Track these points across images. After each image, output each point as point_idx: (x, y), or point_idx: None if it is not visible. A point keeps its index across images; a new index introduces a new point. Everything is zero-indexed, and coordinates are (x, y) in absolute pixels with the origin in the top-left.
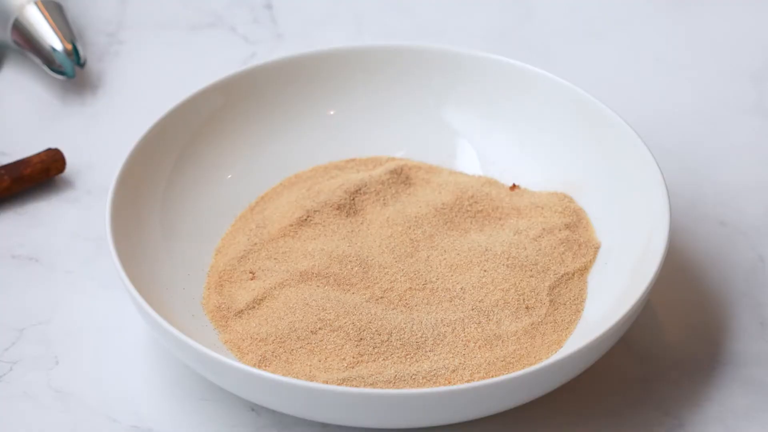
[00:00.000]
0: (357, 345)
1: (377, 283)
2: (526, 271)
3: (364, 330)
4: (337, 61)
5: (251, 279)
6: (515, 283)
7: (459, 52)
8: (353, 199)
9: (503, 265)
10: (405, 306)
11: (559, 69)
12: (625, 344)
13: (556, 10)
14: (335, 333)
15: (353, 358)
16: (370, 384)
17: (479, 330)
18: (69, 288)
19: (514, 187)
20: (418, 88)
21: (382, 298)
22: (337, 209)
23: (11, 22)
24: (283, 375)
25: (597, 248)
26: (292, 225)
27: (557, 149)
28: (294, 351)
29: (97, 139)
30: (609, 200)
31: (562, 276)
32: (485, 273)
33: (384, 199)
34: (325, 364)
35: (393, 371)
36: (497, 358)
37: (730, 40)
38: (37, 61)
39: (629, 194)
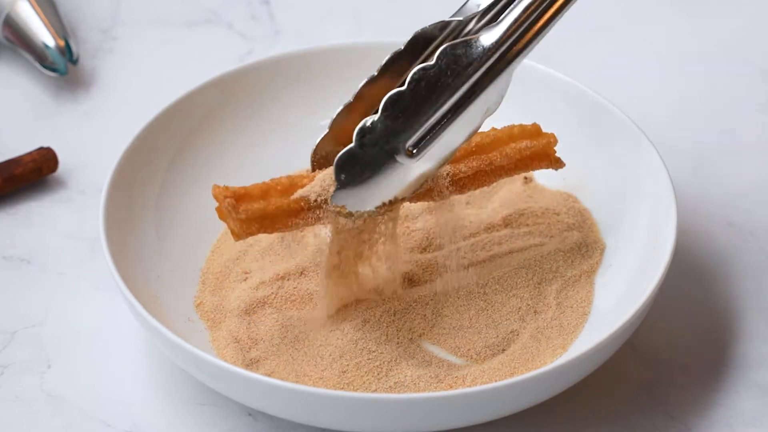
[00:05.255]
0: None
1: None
2: (535, 273)
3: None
4: (336, 58)
5: (245, 280)
6: (523, 286)
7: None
8: None
9: (510, 267)
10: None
11: (564, 66)
12: (630, 348)
13: None
14: None
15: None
16: (371, 389)
17: (484, 333)
18: (62, 290)
19: (526, 180)
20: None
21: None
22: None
23: (2, 18)
24: (280, 378)
25: (603, 249)
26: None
27: (562, 148)
28: (290, 352)
29: (91, 138)
30: (614, 200)
31: (569, 278)
32: (492, 275)
33: None
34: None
35: (394, 375)
36: (501, 362)
37: (739, 38)
38: (29, 57)
39: (635, 194)
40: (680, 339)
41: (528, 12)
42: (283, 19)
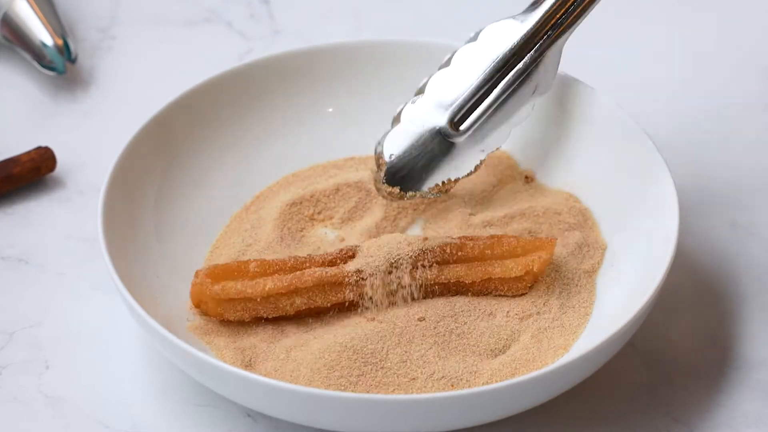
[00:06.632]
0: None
1: None
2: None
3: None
4: (335, 57)
5: None
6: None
7: (460, 47)
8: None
9: None
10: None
11: (564, 65)
12: (632, 348)
13: None
14: None
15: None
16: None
17: (486, 334)
18: (60, 290)
19: (527, 179)
20: (419, 84)
21: None
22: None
23: (0, 16)
24: (279, 379)
25: (604, 249)
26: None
27: (562, 147)
28: (290, 353)
29: (89, 137)
30: (615, 200)
31: (570, 278)
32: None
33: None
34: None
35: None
36: (502, 363)
37: (739, 38)
38: (27, 56)
39: (636, 194)
40: (682, 340)
41: None
42: (283, 19)
